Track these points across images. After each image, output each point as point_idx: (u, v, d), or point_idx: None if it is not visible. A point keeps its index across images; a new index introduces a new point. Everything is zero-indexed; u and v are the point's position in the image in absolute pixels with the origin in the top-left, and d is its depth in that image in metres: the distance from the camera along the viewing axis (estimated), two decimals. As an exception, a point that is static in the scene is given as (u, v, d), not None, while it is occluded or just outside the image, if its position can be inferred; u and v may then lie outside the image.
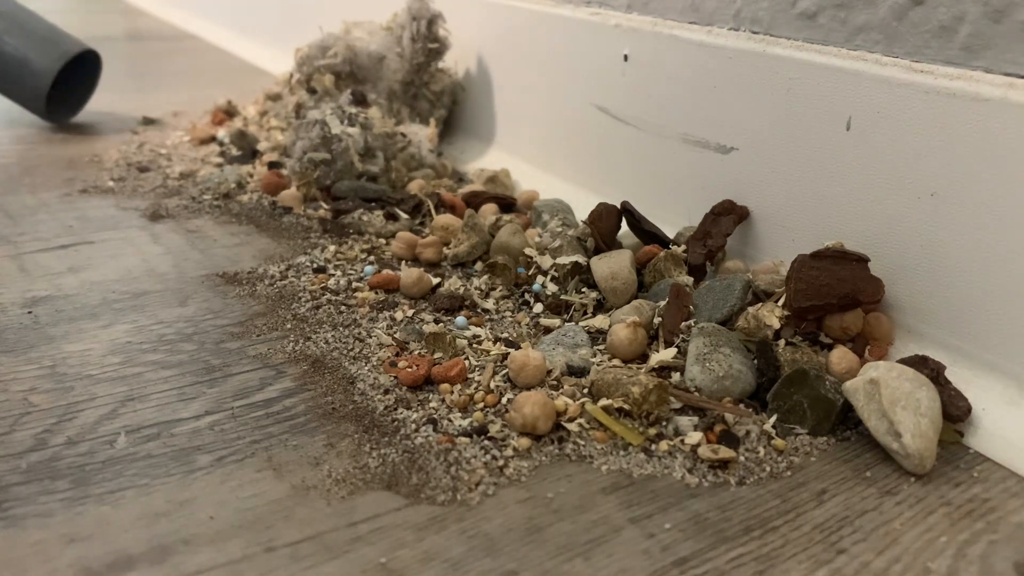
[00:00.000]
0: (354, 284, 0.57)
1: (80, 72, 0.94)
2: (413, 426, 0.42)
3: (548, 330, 0.52)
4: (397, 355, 0.49)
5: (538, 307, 0.55)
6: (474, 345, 0.50)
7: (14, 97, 0.89)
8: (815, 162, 0.52)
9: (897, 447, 0.40)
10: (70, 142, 0.88)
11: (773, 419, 0.43)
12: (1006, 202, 0.43)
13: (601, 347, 0.50)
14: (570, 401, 0.44)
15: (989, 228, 0.44)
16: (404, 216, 0.68)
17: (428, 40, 0.82)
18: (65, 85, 0.94)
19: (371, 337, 0.50)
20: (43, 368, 0.46)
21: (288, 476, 0.39)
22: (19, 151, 0.84)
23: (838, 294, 0.47)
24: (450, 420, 0.43)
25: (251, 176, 0.78)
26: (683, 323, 0.49)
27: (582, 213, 0.64)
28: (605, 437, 0.42)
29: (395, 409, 0.44)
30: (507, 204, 0.69)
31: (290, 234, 0.66)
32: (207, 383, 0.46)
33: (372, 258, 0.62)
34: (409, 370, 0.46)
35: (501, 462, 0.40)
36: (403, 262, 0.62)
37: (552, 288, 0.55)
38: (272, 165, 0.79)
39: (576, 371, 0.47)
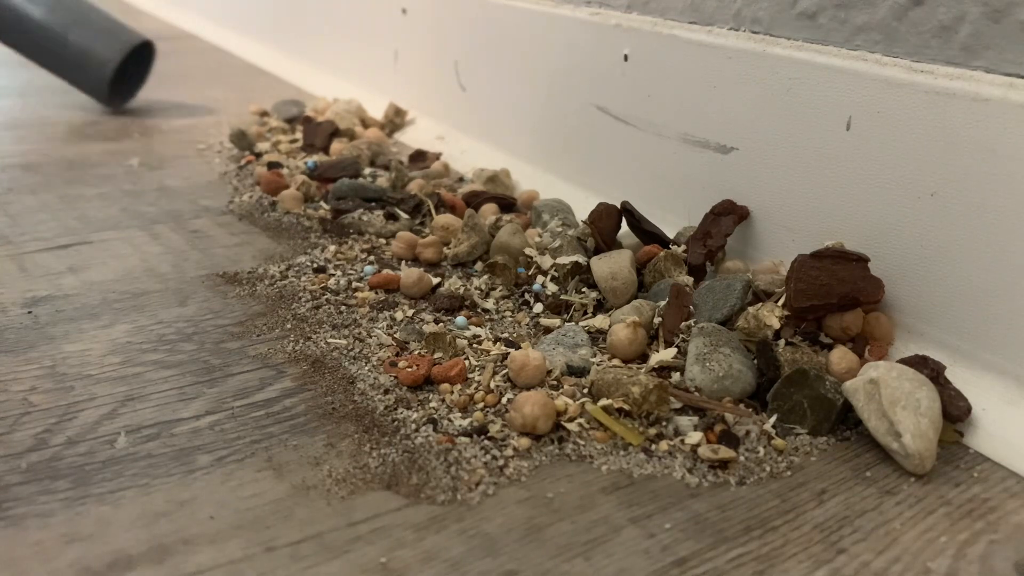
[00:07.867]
0: (354, 284, 0.57)
1: (136, 61, 1.01)
2: (413, 426, 0.42)
3: (548, 330, 0.52)
4: (397, 355, 0.49)
5: (538, 307, 0.55)
6: (474, 345, 0.50)
7: (79, 85, 0.96)
8: (815, 162, 0.52)
9: (897, 447, 0.40)
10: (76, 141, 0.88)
11: (773, 419, 0.43)
12: (1006, 202, 0.43)
13: (601, 347, 0.50)
14: (570, 401, 0.44)
15: (989, 228, 0.44)
16: (404, 216, 0.68)
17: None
18: (123, 73, 1.00)
19: (371, 337, 0.50)
20: (43, 368, 0.46)
21: (288, 476, 0.39)
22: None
23: (838, 294, 0.47)
24: (450, 420, 0.43)
25: None
26: (683, 323, 0.49)
27: (582, 213, 0.64)
28: (605, 437, 0.42)
29: (395, 409, 0.44)
30: (507, 204, 0.69)
31: (290, 234, 0.66)
32: (207, 383, 0.46)
33: (372, 258, 0.62)
34: (409, 370, 0.46)
35: (501, 462, 0.40)
36: (403, 262, 0.62)
37: (552, 288, 0.55)
38: (272, 165, 0.79)
39: (576, 371, 0.47)
